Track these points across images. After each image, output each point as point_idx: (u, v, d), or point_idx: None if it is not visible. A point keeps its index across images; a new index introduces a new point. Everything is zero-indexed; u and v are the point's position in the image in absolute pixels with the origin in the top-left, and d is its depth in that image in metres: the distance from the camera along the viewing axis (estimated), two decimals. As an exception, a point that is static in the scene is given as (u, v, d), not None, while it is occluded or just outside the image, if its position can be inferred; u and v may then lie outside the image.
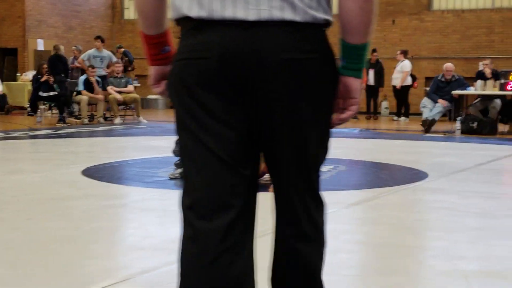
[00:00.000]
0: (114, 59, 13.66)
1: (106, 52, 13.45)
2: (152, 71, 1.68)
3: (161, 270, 2.89)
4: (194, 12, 1.48)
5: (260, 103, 1.50)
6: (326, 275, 2.88)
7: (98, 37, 13.47)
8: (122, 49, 16.69)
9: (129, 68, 16.55)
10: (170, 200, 4.60)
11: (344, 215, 4.24)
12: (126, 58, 16.31)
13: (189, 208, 1.54)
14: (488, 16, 15.72)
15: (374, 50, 15.01)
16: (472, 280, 2.84)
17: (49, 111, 14.01)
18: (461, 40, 15.97)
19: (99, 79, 12.48)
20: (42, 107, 12.89)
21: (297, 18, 1.47)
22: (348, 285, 2.78)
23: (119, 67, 12.94)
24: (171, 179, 5.38)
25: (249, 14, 1.45)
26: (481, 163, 6.89)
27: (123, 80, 12.83)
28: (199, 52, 1.48)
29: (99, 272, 2.85)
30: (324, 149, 1.63)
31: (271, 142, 1.56)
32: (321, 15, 1.51)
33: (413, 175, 6.03)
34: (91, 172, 5.80)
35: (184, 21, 1.52)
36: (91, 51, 13.26)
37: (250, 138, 1.54)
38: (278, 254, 1.67)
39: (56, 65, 12.57)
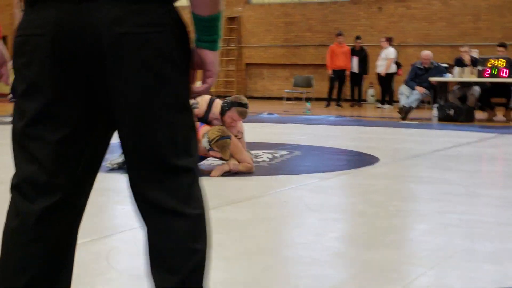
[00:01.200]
0: None
1: None
2: None
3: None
4: None
5: (99, 82, 1.47)
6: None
7: None
8: None
9: None
10: (110, 183, 4.63)
11: (269, 200, 4.30)
12: None
13: (14, 187, 1.57)
14: (475, 3, 15.65)
15: (358, 37, 15.00)
16: (373, 265, 2.90)
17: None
18: (447, 27, 15.92)
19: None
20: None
21: None
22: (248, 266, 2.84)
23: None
24: (110, 169, 5.07)
25: None
26: (438, 149, 6.93)
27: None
28: (34, 28, 1.47)
29: None
30: (178, 127, 1.55)
31: (114, 124, 1.54)
32: None
33: (364, 161, 6.07)
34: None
35: None
36: None
37: (87, 119, 1.53)
38: None
39: None
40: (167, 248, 1.54)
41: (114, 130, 1.59)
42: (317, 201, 4.26)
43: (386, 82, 14.57)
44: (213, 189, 4.55)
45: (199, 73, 1.63)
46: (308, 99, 13.38)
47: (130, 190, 1.58)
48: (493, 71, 10.92)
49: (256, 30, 17.92)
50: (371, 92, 16.37)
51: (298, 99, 14.39)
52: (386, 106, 14.59)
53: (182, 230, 1.54)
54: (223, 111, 5.13)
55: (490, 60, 11.04)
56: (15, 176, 1.57)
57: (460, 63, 11.69)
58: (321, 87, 15.36)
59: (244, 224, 3.56)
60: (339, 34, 14.64)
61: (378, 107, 14.76)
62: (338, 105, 14.76)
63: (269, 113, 11.90)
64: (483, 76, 11.08)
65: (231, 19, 18.10)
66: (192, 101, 5.64)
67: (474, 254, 3.02)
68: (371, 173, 5.39)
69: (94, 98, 1.51)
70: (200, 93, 1.65)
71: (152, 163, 1.53)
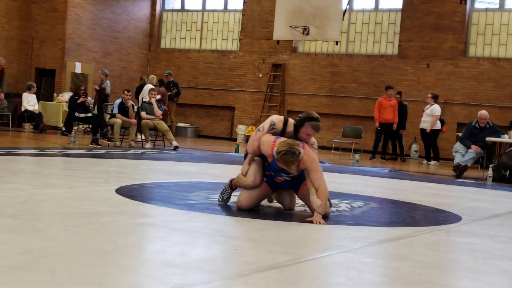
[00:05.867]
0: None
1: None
2: None
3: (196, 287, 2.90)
4: None
5: None
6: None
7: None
8: (171, 78, 17.07)
9: (175, 99, 16.88)
10: (200, 223, 4.63)
11: (374, 250, 4.20)
12: (175, 90, 16.75)
13: None
14: (524, 65, 15.65)
15: (399, 93, 14.94)
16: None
17: (84, 135, 14.19)
18: (495, 88, 15.88)
19: (133, 103, 12.80)
20: (75, 128, 13.09)
21: None
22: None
23: (154, 95, 13.18)
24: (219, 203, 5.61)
25: None
26: (515, 210, 6.79)
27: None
28: None
29: (134, 284, 2.86)
30: None
31: None
32: None
33: (446, 217, 5.96)
34: (124, 191, 5.85)
35: None
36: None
37: None
38: None
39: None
40: None
41: None
42: (423, 256, 4.14)
43: (430, 138, 14.47)
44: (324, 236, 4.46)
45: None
46: (356, 151, 13.32)
47: None
48: (552, 135, 10.80)
49: (301, 78, 18.03)
50: (414, 147, 16.28)
51: (344, 149, 14.34)
52: (432, 162, 14.45)
53: None
54: (296, 129, 5.21)
55: (549, 123, 10.94)
56: None
57: (516, 124, 11.60)
58: (363, 139, 15.31)
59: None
60: (388, 88, 14.64)
61: (423, 163, 14.64)
62: (383, 158, 14.67)
63: (321, 161, 11.81)
64: (540, 139, 10.98)
65: (277, 66, 18.26)
66: (270, 122, 5.80)
67: None
68: (461, 230, 5.26)
69: None
70: None
71: None
